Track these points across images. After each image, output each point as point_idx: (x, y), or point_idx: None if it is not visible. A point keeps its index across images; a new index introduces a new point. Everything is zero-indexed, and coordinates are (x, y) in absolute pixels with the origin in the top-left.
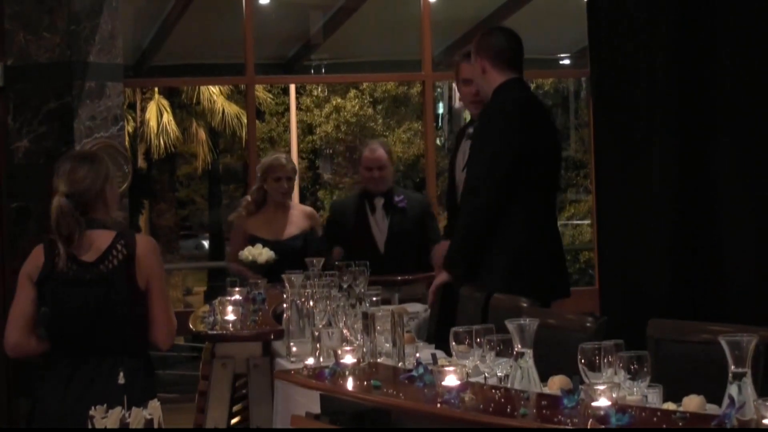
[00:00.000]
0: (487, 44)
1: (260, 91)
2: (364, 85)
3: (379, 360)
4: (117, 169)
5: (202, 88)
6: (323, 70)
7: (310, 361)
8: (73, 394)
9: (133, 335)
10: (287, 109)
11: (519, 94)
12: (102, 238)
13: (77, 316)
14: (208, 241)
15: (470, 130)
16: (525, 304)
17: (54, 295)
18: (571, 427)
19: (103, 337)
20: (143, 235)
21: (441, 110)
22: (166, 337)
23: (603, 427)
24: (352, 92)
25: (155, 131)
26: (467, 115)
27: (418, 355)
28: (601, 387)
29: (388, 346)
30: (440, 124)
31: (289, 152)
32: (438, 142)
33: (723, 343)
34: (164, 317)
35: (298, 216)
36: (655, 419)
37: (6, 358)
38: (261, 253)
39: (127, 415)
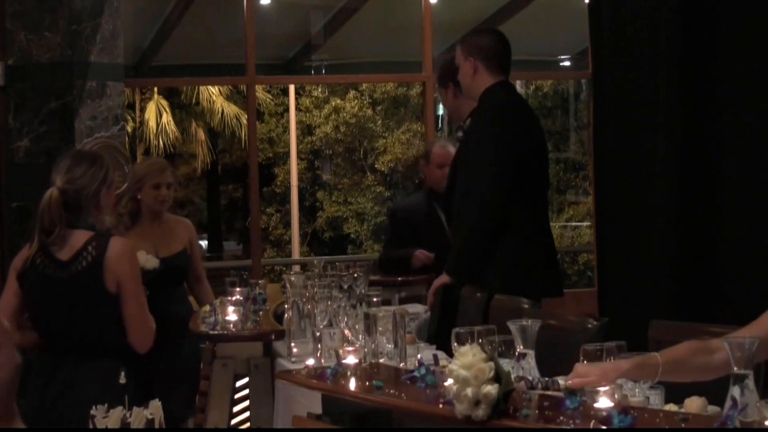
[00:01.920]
0: (479, 45)
1: (259, 92)
2: (364, 86)
3: (380, 360)
4: (117, 168)
5: (201, 89)
6: (323, 71)
7: (311, 361)
8: (51, 394)
9: (109, 337)
10: (286, 110)
11: (509, 97)
12: (78, 239)
13: (53, 313)
14: (206, 242)
15: (459, 134)
16: (526, 305)
17: (31, 290)
18: (573, 428)
19: (79, 337)
20: (119, 238)
21: (441, 111)
22: (143, 340)
23: (605, 428)
24: (352, 93)
25: (154, 131)
26: None
27: (419, 355)
28: (603, 388)
29: (389, 346)
30: (440, 125)
31: (288, 153)
32: None
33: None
34: (138, 320)
35: (178, 229)
36: (657, 420)
37: None
38: (147, 260)
39: (128, 414)
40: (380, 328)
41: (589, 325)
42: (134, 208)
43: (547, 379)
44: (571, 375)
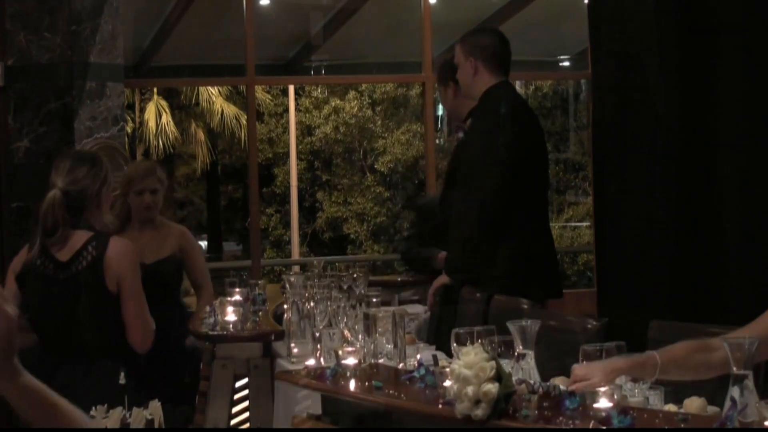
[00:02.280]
0: (478, 45)
1: (259, 92)
2: (363, 86)
3: (380, 361)
4: (117, 169)
5: (201, 89)
6: (323, 72)
7: (311, 362)
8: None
9: (109, 337)
10: (286, 110)
11: (509, 97)
12: (78, 239)
13: (52, 314)
14: (206, 242)
15: (460, 134)
16: (526, 306)
17: (31, 291)
18: (573, 428)
19: (79, 337)
20: (118, 237)
21: (440, 111)
22: (142, 340)
23: (605, 428)
24: (351, 93)
25: (154, 132)
26: None
27: (419, 356)
28: (603, 388)
29: (389, 347)
30: (440, 125)
31: (288, 153)
32: (437, 143)
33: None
34: (138, 320)
35: (169, 236)
36: (656, 421)
37: None
38: None
39: (128, 414)
40: (380, 329)
41: (589, 326)
42: (125, 212)
43: (548, 384)
44: (571, 379)
